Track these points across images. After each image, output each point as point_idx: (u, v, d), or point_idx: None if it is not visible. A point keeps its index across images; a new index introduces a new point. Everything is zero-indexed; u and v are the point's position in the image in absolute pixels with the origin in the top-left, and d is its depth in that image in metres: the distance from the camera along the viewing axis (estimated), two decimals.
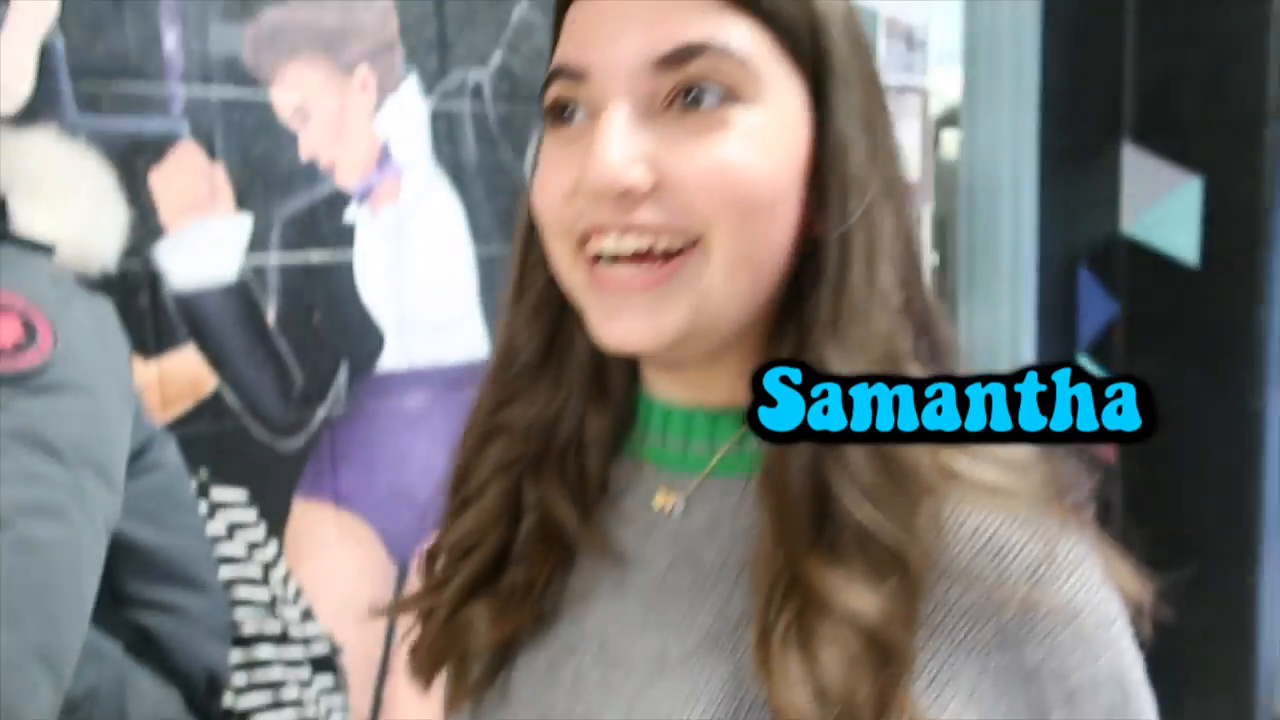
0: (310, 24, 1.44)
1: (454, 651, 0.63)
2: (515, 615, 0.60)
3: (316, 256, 1.46)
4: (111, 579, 0.86)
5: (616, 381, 0.63)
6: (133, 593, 0.89)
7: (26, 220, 0.88)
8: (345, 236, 1.48)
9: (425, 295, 1.55)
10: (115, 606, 0.88)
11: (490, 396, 0.64)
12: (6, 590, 0.73)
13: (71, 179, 0.93)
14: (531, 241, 0.60)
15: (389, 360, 1.53)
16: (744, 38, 0.51)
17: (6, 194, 0.88)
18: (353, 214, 1.48)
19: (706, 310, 0.52)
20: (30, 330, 0.79)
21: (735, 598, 0.54)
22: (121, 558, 0.87)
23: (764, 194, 0.51)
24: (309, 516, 1.45)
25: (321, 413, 1.47)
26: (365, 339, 1.51)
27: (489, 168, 1.59)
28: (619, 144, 0.50)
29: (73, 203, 0.92)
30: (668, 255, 0.52)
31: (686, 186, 0.51)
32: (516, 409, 0.63)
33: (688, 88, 0.51)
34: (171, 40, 1.32)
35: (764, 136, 0.52)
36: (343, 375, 1.49)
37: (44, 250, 0.88)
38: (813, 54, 0.53)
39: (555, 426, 0.62)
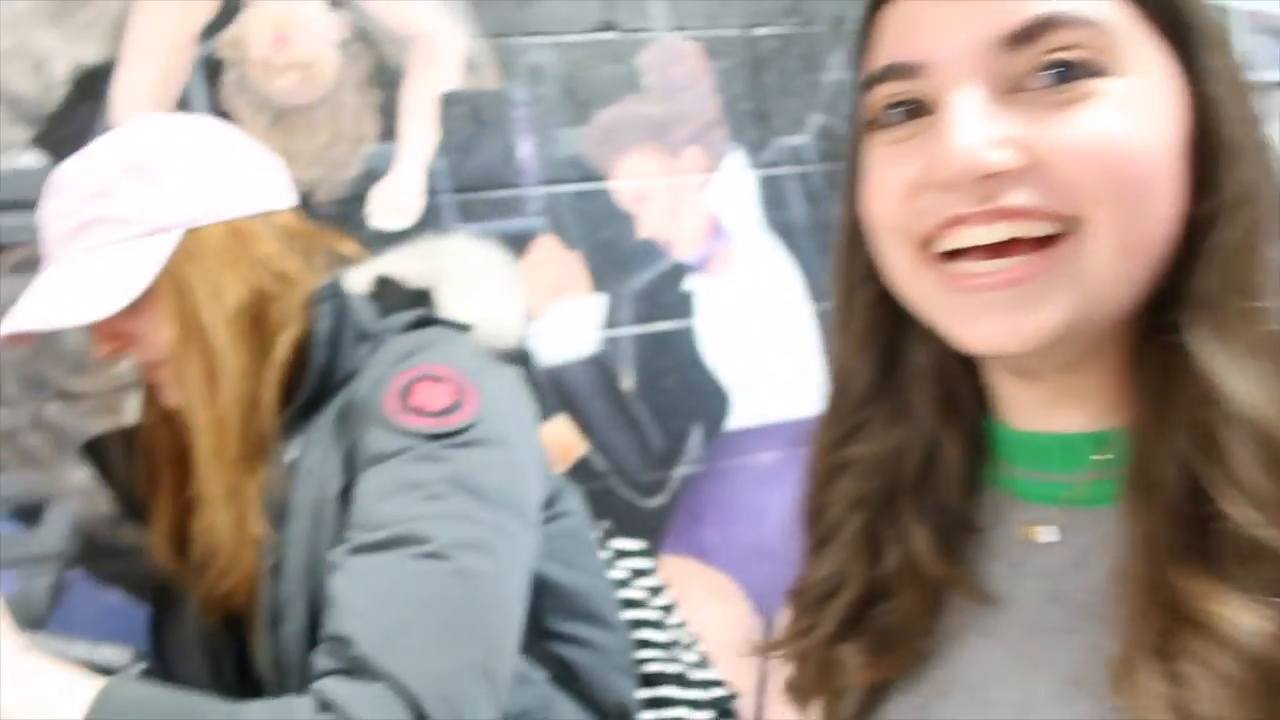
0: (640, 117, 1.58)
1: (826, 690, 0.62)
2: (888, 660, 0.58)
3: (663, 325, 1.57)
4: (535, 614, 0.96)
5: (966, 404, 0.58)
6: (552, 626, 0.99)
7: (451, 306, 1.04)
8: (687, 305, 1.59)
9: (768, 353, 1.62)
10: (539, 639, 0.98)
11: (830, 431, 0.62)
12: (451, 613, 0.84)
13: (482, 271, 1.09)
14: (853, 262, 0.57)
15: (738, 418, 1.60)
16: (1097, 3, 0.47)
17: (435, 286, 1.05)
18: (692, 283, 1.59)
19: (1088, 303, 0.48)
20: (461, 394, 0.93)
21: (1107, 637, 0.48)
22: (542, 595, 0.97)
23: (1147, 167, 0.47)
24: (675, 571, 1.53)
25: (679, 471, 1.56)
26: (713, 399, 1.59)
27: (818, 226, 1.64)
28: (977, 125, 0.46)
29: (485, 291, 1.07)
30: (1038, 244, 0.47)
31: (1065, 162, 0.46)
32: (860, 443, 0.60)
33: (1045, 64, 0.47)
34: (525, 149, 1.50)
35: (1138, 107, 0.47)
36: (695, 435, 1.58)
37: (466, 329, 1.03)
38: (1171, 14, 0.48)
39: (904, 458, 0.58)
